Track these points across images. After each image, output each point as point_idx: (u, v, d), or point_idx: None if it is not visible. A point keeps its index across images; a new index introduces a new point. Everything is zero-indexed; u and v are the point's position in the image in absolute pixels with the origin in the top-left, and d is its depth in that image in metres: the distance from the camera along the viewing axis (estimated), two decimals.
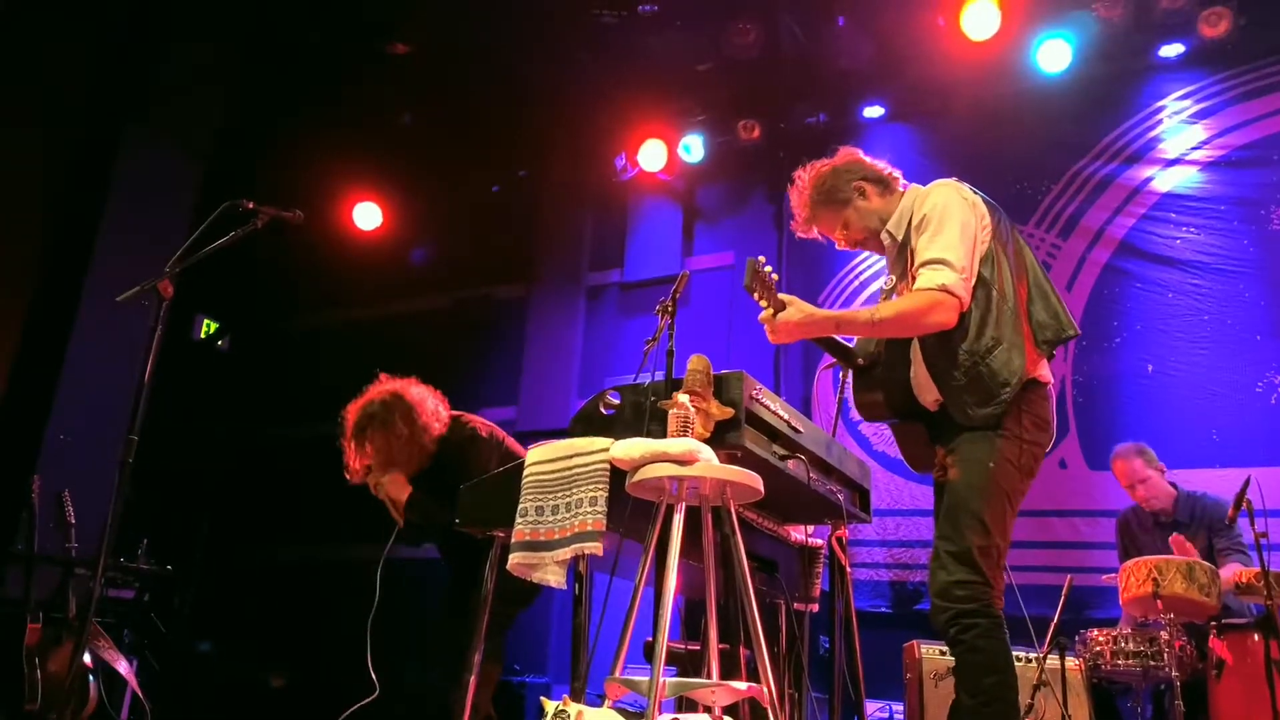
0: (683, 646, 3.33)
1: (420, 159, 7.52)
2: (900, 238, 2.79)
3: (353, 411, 3.48)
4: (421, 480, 3.44)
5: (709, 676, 2.42)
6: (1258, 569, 3.56)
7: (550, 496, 2.50)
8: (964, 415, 2.55)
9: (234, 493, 7.75)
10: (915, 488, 5.83)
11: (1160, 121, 5.89)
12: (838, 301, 6.39)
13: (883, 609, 5.68)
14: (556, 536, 2.44)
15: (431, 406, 3.50)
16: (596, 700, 2.32)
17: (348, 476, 3.51)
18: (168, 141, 6.53)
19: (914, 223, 2.69)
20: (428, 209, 7.79)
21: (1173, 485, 4.48)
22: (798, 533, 3.41)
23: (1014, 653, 3.98)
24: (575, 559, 2.44)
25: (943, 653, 4.00)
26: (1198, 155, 5.73)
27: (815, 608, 3.70)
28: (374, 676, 3.13)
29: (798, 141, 6.95)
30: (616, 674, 2.26)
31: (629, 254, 7.43)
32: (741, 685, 2.21)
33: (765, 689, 2.19)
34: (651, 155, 7.05)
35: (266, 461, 7.88)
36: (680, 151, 7.07)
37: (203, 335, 7.83)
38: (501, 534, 2.67)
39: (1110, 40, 5.95)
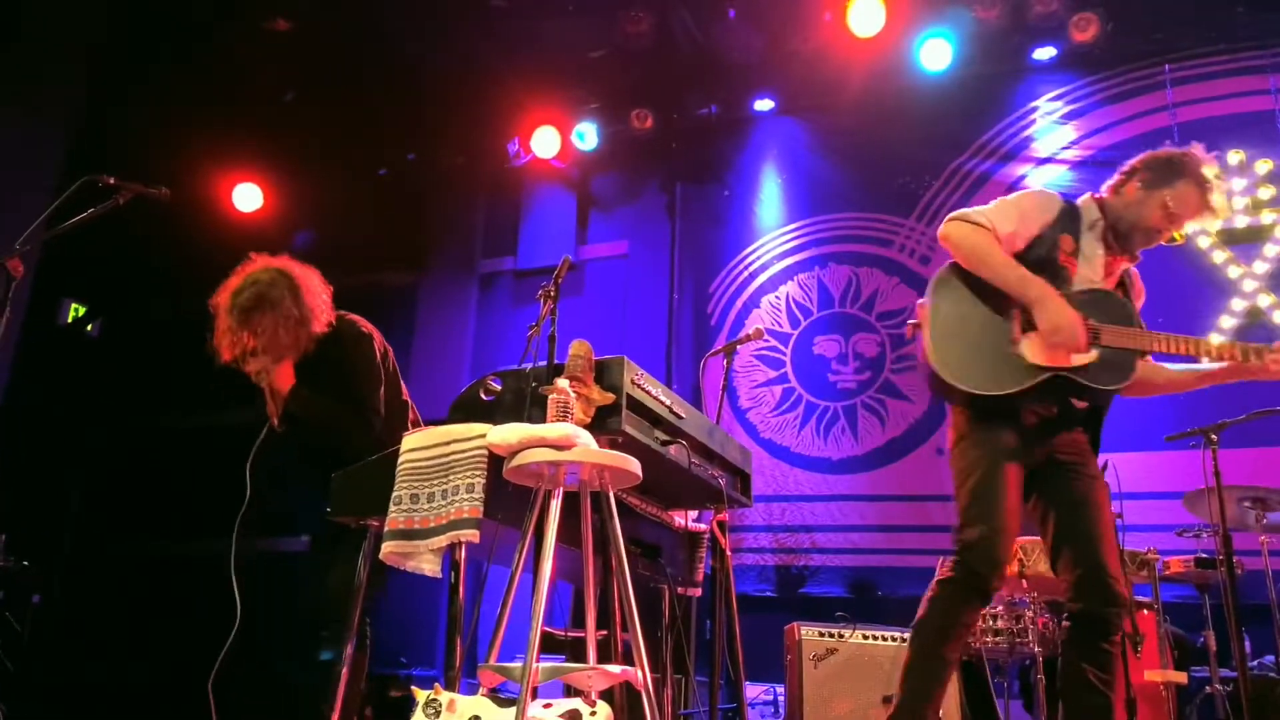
0: (564, 633, 3.32)
1: (304, 140, 7.26)
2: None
3: (233, 290, 3.08)
4: (298, 372, 3.15)
5: (588, 662, 2.42)
6: None
7: (426, 484, 2.46)
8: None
9: (104, 486, 7.38)
10: (800, 474, 5.94)
11: (1034, 121, 6.16)
12: (728, 291, 6.43)
13: (768, 593, 5.79)
14: (431, 524, 2.40)
15: (317, 288, 3.17)
16: (474, 689, 2.29)
17: (219, 356, 3.09)
18: (25, 115, 6.13)
19: None
20: (311, 192, 7.53)
21: None
22: (681, 518, 3.43)
23: (889, 634, 4.11)
24: (451, 547, 2.41)
25: (822, 634, 4.09)
26: (1067, 155, 6.02)
27: (699, 592, 3.75)
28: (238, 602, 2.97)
29: (690, 132, 7.01)
30: (492, 661, 2.24)
31: (522, 241, 7.35)
32: (615, 669, 2.21)
33: (639, 672, 2.20)
34: (545, 141, 6.98)
35: (138, 452, 7.52)
36: (574, 139, 7.02)
37: (70, 320, 7.43)
38: (375, 523, 2.61)
39: (987, 41, 6.20)
